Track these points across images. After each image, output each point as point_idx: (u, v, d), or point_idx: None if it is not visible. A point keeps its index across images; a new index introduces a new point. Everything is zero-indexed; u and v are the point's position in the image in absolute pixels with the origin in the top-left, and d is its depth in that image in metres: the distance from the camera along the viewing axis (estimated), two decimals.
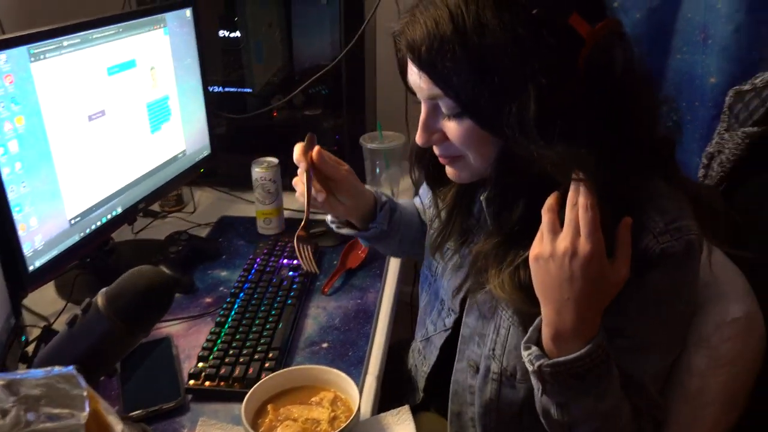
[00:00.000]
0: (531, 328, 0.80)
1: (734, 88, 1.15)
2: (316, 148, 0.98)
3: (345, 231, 1.09)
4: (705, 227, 0.79)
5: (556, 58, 0.70)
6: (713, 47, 1.32)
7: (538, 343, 0.78)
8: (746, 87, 1.12)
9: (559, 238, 0.73)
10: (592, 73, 0.72)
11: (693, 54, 1.39)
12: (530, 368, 0.77)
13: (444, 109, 0.78)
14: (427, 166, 0.95)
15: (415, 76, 0.77)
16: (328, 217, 1.10)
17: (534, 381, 0.79)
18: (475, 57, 0.71)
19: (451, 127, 0.79)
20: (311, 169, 0.98)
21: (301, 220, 1.00)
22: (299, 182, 1.00)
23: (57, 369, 0.52)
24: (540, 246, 0.74)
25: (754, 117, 1.08)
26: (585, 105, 0.72)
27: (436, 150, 0.85)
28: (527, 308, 0.80)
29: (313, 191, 0.98)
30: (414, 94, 0.83)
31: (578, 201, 0.72)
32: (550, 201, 0.75)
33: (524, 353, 0.79)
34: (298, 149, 0.98)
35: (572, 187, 0.73)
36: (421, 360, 1.09)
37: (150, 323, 0.74)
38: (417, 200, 1.22)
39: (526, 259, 0.77)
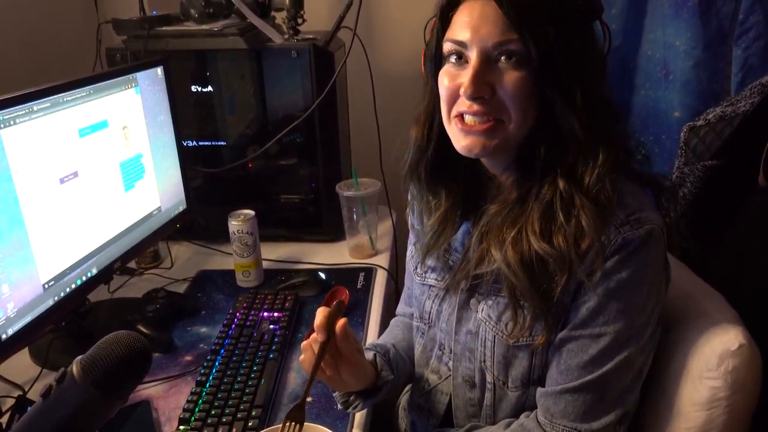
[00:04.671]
0: None
1: (688, 124, 1.18)
2: (342, 321, 0.88)
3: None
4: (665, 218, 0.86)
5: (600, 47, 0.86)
6: (674, 83, 1.37)
7: None
8: (700, 122, 1.15)
9: None
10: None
11: (656, 90, 1.44)
12: None
13: (505, 58, 0.81)
14: (421, 173, 0.96)
15: (487, 22, 0.80)
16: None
17: None
18: (562, 15, 0.80)
19: (508, 76, 0.81)
20: (327, 344, 0.88)
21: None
22: (309, 349, 0.90)
23: None
24: None
25: (711, 150, 1.11)
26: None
27: (477, 108, 0.83)
28: (522, 279, 0.84)
29: (322, 364, 0.89)
30: (455, 54, 0.84)
31: None
32: None
33: None
34: (321, 316, 0.88)
35: None
36: (425, 415, 1.06)
37: (128, 390, 0.72)
38: (399, 308, 1.21)
39: (531, 229, 0.83)
